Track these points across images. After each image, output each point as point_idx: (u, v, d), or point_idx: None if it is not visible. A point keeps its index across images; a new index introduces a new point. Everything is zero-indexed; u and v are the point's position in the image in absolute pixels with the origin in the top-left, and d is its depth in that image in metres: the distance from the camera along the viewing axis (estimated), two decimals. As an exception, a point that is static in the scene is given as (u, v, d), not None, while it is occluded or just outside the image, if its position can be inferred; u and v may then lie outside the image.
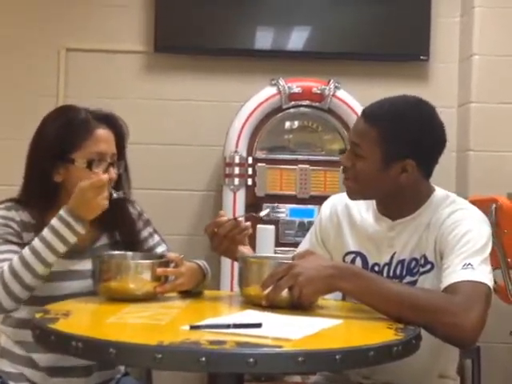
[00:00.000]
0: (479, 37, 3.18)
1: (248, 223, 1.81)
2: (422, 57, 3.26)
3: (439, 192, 1.75)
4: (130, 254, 1.78)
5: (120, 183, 1.87)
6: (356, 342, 1.32)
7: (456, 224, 1.64)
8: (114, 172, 1.78)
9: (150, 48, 3.25)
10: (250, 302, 1.60)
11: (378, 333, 1.42)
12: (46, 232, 1.67)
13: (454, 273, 1.55)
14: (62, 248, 1.67)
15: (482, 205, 2.71)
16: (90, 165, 1.75)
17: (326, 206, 1.87)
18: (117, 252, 1.78)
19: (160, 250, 1.90)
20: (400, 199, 1.72)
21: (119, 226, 1.87)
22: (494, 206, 2.61)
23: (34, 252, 1.66)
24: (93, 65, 3.27)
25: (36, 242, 1.67)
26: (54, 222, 1.67)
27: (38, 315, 1.48)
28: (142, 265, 1.68)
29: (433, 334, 1.52)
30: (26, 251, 1.66)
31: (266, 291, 1.53)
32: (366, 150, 1.66)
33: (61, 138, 1.77)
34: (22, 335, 1.75)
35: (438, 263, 1.65)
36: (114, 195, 1.76)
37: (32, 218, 1.77)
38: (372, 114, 1.69)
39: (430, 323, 1.48)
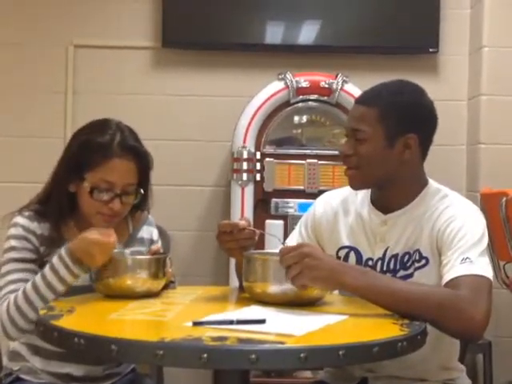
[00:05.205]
0: (489, 28, 3.13)
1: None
2: (431, 49, 3.22)
3: (432, 185, 1.74)
4: (127, 251, 1.76)
5: (143, 205, 1.85)
6: (360, 337, 1.31)
7: (451, 219, 1.63)
8: (118, 204, 1.73)
9: (158, 43, 3.24)
10: (256, 299, 1.59)
11: (383, 328, 1.41)
12: (46, 269, 1.66)
13: (453, 268, 1.55)
14: (60, 287, 1.66)
15: (493, 198, 2.69)
16: (92, 191, 1.72)
17: (320, 202, 1.84)
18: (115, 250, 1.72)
19: None
20: (397, 187, 1.70)
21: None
22: (504, 199, 2.59)
23: (35, 288, 1.66)
24: (101, 61, 3.27)
25: (37, 279, 1.67)
26: (55, 260, 1.66)
27: (42, 312, 1.48)
28: (139, 261, 1.66)
29: (441, 330, 1.51)
30: (29, 286, 1.67)
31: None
32: (368, 130, 1.65)
33: (79, 154, 1.76)
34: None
35: (435, 258, 1.64)
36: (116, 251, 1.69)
37: (50, 230, 1.76)
38: (368, 97, 1.71)
39: (438, 320, 1.48)
